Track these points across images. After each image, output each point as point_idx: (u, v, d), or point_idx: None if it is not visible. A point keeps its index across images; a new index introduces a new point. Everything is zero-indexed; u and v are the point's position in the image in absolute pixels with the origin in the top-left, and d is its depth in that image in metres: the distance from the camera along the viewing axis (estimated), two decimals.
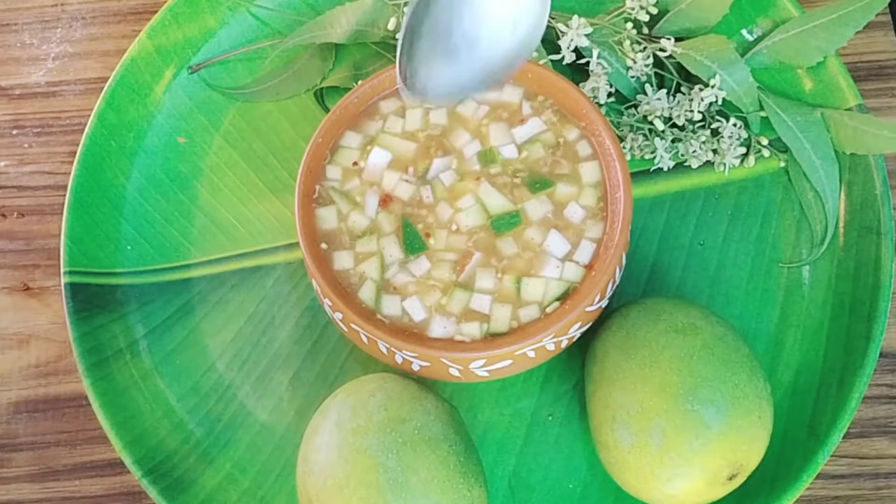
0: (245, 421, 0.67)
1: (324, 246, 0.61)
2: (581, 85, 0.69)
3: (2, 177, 0.75)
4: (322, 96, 0.74)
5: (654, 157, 0.70)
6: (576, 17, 0.68)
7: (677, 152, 0.70)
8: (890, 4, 0.74)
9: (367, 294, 0.60)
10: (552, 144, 0.63)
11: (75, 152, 0.71)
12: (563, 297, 0.59)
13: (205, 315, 0.69)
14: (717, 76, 0.68)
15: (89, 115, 0.71)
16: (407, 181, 0.62)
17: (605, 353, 0.61)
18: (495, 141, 0.62)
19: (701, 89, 0.69)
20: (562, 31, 0.69)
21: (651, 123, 0.70)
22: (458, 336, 0.59)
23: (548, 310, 0.59)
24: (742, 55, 0.70)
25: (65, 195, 0.70)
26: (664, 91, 0.70)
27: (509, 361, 0.59)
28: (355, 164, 0.63)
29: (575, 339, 0.61)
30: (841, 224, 0.68)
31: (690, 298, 0.68)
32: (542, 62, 0.69)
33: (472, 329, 0.59)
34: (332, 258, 0.61)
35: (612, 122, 0.70)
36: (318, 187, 0.62)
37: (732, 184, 0.71)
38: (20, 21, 0.79)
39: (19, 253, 0.73)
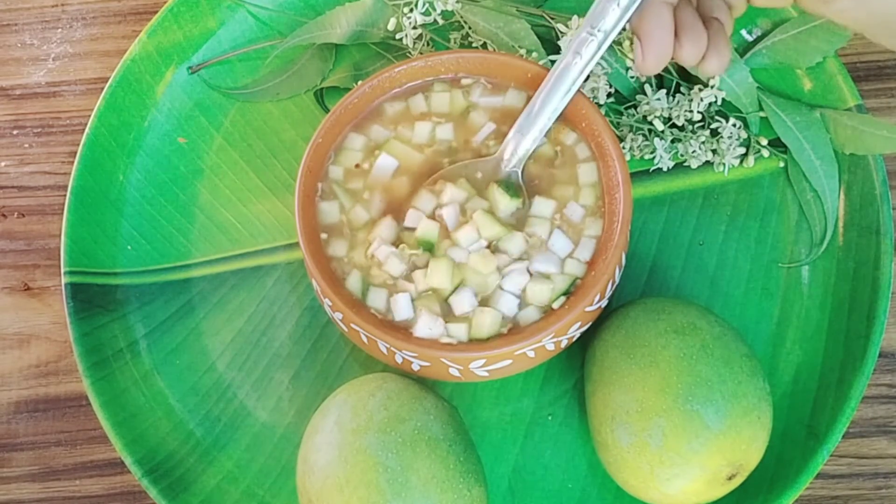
0: (245, 421, 0.67)
1: (324, 236, 0.61)
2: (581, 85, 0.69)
3: (2, 177, 0.75)
4: (322, 96, 0.74)
5: (654, 158, 0.70)
6: (575, 17, 0.68)
7: (677, 152, 0.70)
8: None
9: (378, 297, 0.60)
10: (550, 156, 0.63)
11: (75, 152, 0.71)
12: (568, 293, 0.59)
13: (205, 315, 0.69)
14: (717, 76, 0.68)
15: (90, 116, 0.71)
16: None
17: (605, 353, 0.61)
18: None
19: (700, 89, 0.69)
20: (561, 32, 0.69)
21: (650, 123, 0.70)
22: (447, 338, 0.59)
23: (554, 306, 0.59)
24: (741, 55, 0.70)
25: (65, 195, 0.70)
26: (664, 91, 0.70)
27: (509, 361, 0.59)
28: (357, 166, 0.63)
29: (574, 339, 0.61)
30: (840, 224, 0.68)
31: (690, 298, 0.68)
32: (541, 62, 0.69)
33: (471, 329, 0.59)
34: (329, 245, 0.61)
35: (611, 122, 0.70)
36: (320, 185, 0.62)
37: (732, 184, 0.71)
38: (21, 21, 0.79)
39: (20, 253, 0.73)
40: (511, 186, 0.62)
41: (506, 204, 0.62)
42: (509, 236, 0.60)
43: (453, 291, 0.59)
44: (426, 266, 0.60)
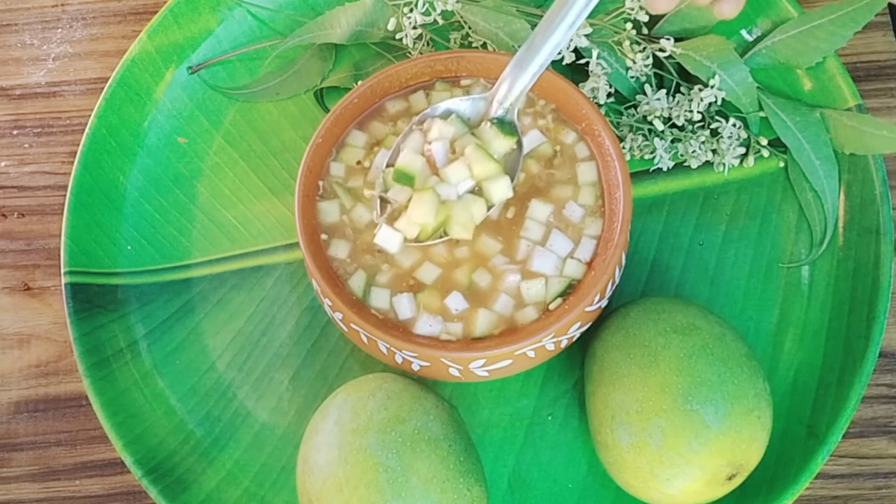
0: (245, 421, 0.67)
1: (324, 237, 0.61)
2: (581, 85, 0.69)
3: (2, 177, 0.75)
4: (322, 96, 0.74)
5: (654, 158, 0.70)
6: None
7: (677, 152, 0.70)
8: (889, 5, 0.74)
9: (380, 296, 0.60)
10: (549, 156, 0.63)
11: (75, 152, 0.71)
12: (565, 294, 0.59)
13: (205, 315, 0.69)
14: (717, 76, 0.69)
15: (90, 116, 0.71)
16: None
17: (605, 353, 0.61)
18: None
19: (700, 89, 0.69)
20: None
21: (651, 123, 0.70)
22: (447, 335, 0.59)
23: (551, 307, 0.59)
24: (741, 55, 0.70)
25: (65, 195, 0.70)
26: (664, 91, 0.70)
27: (509, 361, 0.59)
28: (359, 163, 0.63)
29: (575, 339, 0.61)
30: (840, 224, 0.68)
31: (690, 298, 0.68)
32: None
33: (471, 328, 0.59)
34: (329, 246, 0.61)
35: (611, 122, 0.70)
36: (321, 183, 0.62)
37: (732, 184, 0.71)
38: (21, 21, 0.79)
39: (20, 253, 0.73)
40: (505, 125, 0.60)
41: (499, 143, 0.60)
42: (496, 178, 0.58)
43: (447, 295, 0.59)
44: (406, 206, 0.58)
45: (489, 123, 0.61)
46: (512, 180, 0.60)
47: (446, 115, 0.61)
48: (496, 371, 0.60)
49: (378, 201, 0.60)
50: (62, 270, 0.68)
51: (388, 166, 0.61)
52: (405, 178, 0.59)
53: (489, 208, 0.60)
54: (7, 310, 0.72)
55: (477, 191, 0.60)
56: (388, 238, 0.59)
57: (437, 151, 0.59)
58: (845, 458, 0.67)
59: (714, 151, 0.70)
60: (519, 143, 0.60)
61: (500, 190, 0.59)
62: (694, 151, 0.70)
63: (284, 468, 0.66)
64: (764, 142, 0.70)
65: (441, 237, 0.60)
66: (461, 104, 0.62)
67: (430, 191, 0.58)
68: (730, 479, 0.58)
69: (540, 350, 0.59)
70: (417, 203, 0.58)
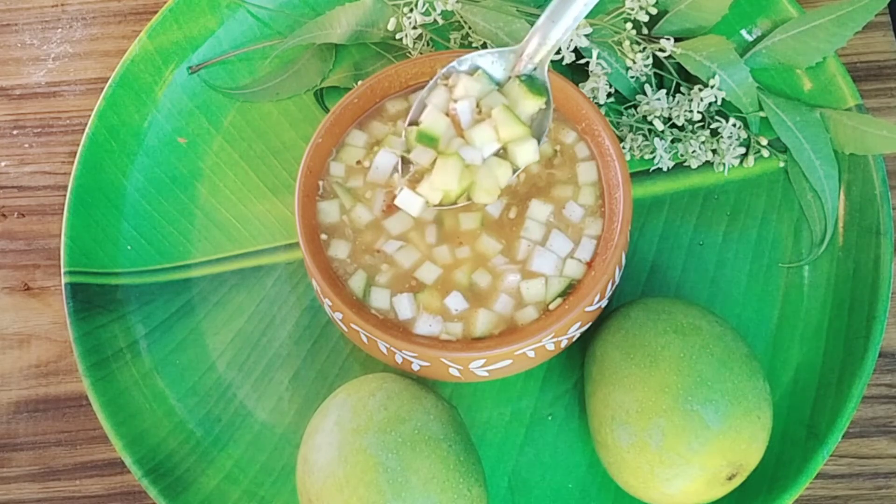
0: (245, 421, 0.67)
1: (324, 237, 0.61)
2: (581, 85, 0.69)
3: (2, 177, 0.75)
4: (322, 96, 0.74)
5: (654, 158, 0.70)
6: None
7: (677, 152, 0.70)
8: (889, 5, 0.74)
9: (380, 296, 0.60)
10: (549, 156, 0.62)
11: (75, 152, 0.71)
12: (565, 294, 0.59)
13: (205, 315, 0.69)
14: (717, 76, 0.68)
15: (90, 116, 0.71)
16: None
17: (605, 353, 0.61)
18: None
19: (700, 89, 0.69)
20: None
21: (651, 123, 0.70)
22: (447, 335, 0.59)
23: (551, 307, 0.59)
24: (741, 55, 0.70)
25: (65, 195, 0.70)
26: (664, 91, 0.70)
27: (509, 361, 0.59)
28: (359, 163, 0.63)
29: (575, 339, 0.61)
30: (840, 224, 0.68)
31: (690, 298, 0.68)
32: None
33: (471, 328, 0.59)
34: (329, 246, 0.61)
35: (611, 122, 0.70)
36: (321, 182, 0.62)
37: (732, 184, 0.71)
38: (21, 21, 0.79)
39: (20, 253, 0.73)
40: (535, 83, 0.58)
41: (527, 103, 0.58)
42: (523, 141, 0.56)
43: (447, 295, 0.59)
44: (431, 167, 0.56)
45: (517, 80, 0.58)
46: (539, 142, 0.58)
47: (473, 71, 0.59)
48: (496, 371, 0.60)
49: (399, 161, 0.59)
50: (62, 270, 0.68)
51: (410, 124, 0.59)
52: (428, 140, 0.57)
53: (514, 171, 0.58)
54: (7, 310, 0.72)
55: (501, 153, 0.58)
56: (408, 201, 0.58)
57: (462, 111, 0.57)
58: (845, 458, 0.67)
59: (714, 151, 0.70)
60: (548, 103, 0.58)
61: (527, 153, 0.57)
62: (694, 151, 0.70)
63: (284, 468, 0.66)
64: (764, 142, 0.70)
65: (464, 201, 0.59)
66: (488, 58, 0.59)
67: (456, 156, 0.56)
68: (730, 479, 0.58)
69: (540, 350, 0.59)
70: (442, 169, 0.56)
